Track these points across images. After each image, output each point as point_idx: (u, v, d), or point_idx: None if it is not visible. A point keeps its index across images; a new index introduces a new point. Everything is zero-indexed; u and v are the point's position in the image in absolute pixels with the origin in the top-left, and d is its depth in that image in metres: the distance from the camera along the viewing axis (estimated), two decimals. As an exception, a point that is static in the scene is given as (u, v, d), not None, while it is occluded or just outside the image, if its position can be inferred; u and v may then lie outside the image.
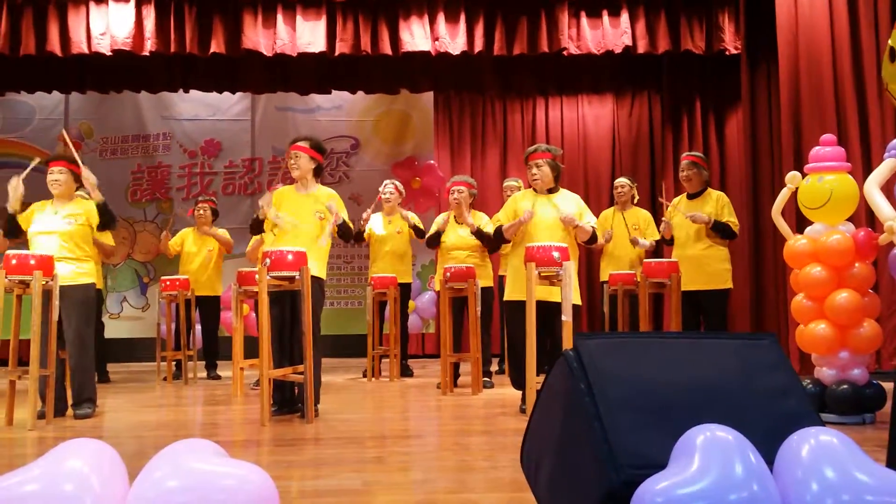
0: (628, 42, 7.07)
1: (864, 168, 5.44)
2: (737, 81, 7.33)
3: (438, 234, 6.03)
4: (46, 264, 4.32)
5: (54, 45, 6.74)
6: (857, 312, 3.97)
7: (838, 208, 4.13)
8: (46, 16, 6.74)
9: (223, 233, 7.02)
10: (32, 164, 4.72)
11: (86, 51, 6.77)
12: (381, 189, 6.88)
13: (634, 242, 6.10)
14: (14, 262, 4.24)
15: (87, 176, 4.63)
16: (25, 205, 4.69)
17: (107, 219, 4.70)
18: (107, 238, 6.06)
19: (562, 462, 2.07)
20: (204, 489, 1.63)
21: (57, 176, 4.63)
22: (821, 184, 4.14)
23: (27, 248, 4.53)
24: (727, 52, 7.19)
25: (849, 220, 4.22)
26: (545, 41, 7.06)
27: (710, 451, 1.64)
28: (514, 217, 4.69)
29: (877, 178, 3.71)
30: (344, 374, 7.03)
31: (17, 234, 4.66)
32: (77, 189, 4.82)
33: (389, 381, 6.47)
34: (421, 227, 6.74)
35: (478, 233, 5.72)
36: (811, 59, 5.86)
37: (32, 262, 4.26)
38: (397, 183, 6.94)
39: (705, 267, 5.34)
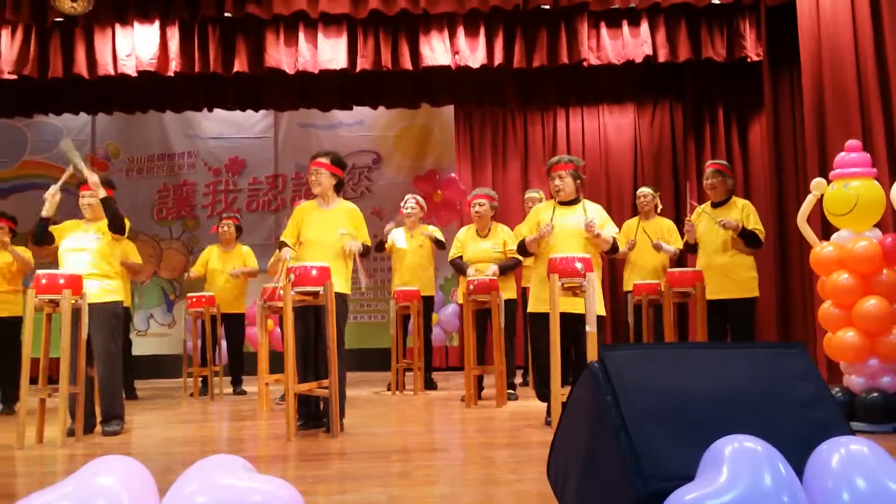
0: (648, 51, 7.06)
1: (890, 173, 5.36)
2: (759, 88, 7.28)
3: (463, 268, 6.02)
4: (75, 283, 4.38)
5: (81, 67, 6.86)
6: (886, 319, 3.91)
7: (865, 214, 4.08)
8: (73, 39, 6.87)
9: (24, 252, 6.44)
10: (67, 174, 4.76)
11: (112, 72, 6.89)
12: (402, 204, 6.92)
13: (658, 248, 6.05)
14: (44, 281, 4.31)
15: (89, 175, 4.65)
16: (55, 222, 4.77)
17: (112, 215, 4.65)
18: (133, 255, 6.13)
19: (589, 474, 2.06)
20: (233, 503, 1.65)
21: (89, 200, 4.71)
22: (846, 190, 4.10)
23: (57, 267, 4.60)
24: (749, 60, 7.15)
25: (876, 226, 4.17)
26: (565, 52, 7.07)
27: (738, 461, 1.62)
28: (536, 228, 4.69)
29: (904, 182, 3.67)
30: (368, 388, 7.04)
31: (47, 241, 4.70)
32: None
33: (414, 395, 6.47)
34: (442, 239, 6.77)
35: (502, 270, 5.79)
36: (834, 64, 5.81)
37: (62, 281, 4.33)
38: (419, 197, 6.97)
39: (732, 275, 5.29)
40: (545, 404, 4.57)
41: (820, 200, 4.29)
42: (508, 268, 5.93)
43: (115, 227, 4.68)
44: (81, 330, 4.40)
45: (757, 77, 7.31)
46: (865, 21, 5.73)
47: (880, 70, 5.67)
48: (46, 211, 4.62)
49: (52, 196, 4.63)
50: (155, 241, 9.14)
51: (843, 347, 4.02)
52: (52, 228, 4.69)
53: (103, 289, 4.64)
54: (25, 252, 6.23)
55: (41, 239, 4.67)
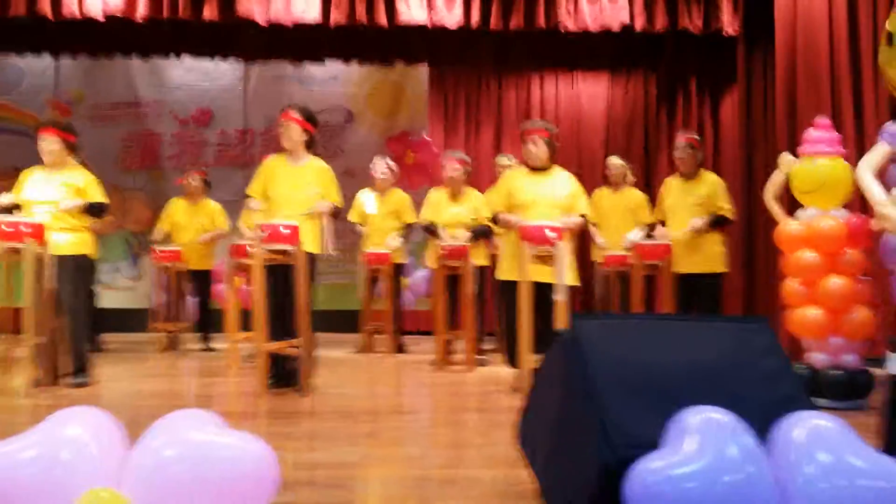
0: (626, 19, 7.02)
1: (858, 153, 5.44)
2: (733, 62, 7.31)
3: (435, 232, 6.00)
4: (39, 232, 4.29)
5: (45, 7, 6.62)
6: (849, 298, 4.00)
7: (831, 193, 4.14)
8: (37, -23, 6.63)
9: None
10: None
11: (77, 14, 6.66)
12: (371, 166, 6.85)
13: (626, 244, 6.04)
14: (5, 228, 4.20)
15: (67, 206, 4.50)
16: (17, 170, 4.65)
17: (95, 215, 4.66)
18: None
19: (558, 440, 2.10)
20: (203, 458, 1.66)
21: (49, 145, 4.57)
22: (814, 167, 4.15)
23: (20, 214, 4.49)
24: (724, 33, 7.16)
25: (844, 206, 4.23)
26: (542, 17, 7.00)
27: (704, 432, 1.67)
28: (508, 196, 4.68)
29: (870, 162, 3.72)
30: (338, 349, 7.05)
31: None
32: (70, 156, 4.77)
33: (383, 357, 6.50)
34: (412, 219, 6.72)
35: (474, 235, 5.78)
36: (808, 41, 5.85)
37: (24, 228, 4.23)
38: (389, 161, 6.90)
39: (700, 250, 5.34)
40: (514, 370, 4.63)
41: (788, 177, 4.34)
42: (480, 233, 5.92)
43: (98, 216, 4.68)
44: (45, 280, 4.32)
45: (731, 51, 7.34)
46: (841, 1, 5.77)
47: (852, 50, 5.73)
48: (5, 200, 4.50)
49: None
50: (119, 191, 8.95)
51: (806, 324, 4.10)
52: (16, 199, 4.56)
53: (70, 241, 4.55)
54: None
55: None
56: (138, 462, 1.67)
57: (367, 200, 6.77)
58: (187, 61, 8.59)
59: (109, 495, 1.57)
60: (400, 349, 6.84)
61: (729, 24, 7.10)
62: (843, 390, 4.00)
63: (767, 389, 2.03)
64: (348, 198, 8.35)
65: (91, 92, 8.99)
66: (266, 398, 4.17)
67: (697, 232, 5.29)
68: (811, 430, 1.69)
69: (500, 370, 5.47)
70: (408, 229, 6.72)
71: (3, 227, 4.20)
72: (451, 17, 6.93)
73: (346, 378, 5.19)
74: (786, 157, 4.30)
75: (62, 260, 4.49)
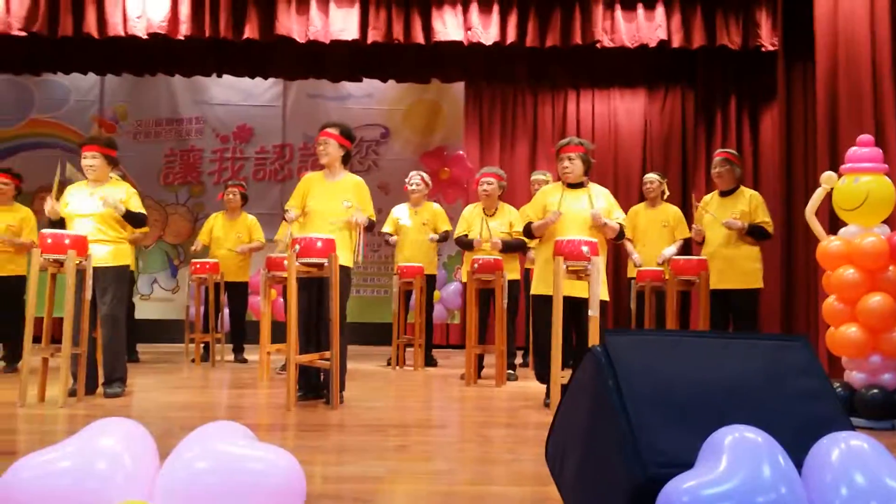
0: (663, 36, 6.99)
1: (901, 170, 5.34)
2: (772, 79, 7.22)
3: (470, 244, 6.00)
4: (81, 244, 4.39)
5: (91, 26, 6.81)
6: (890, 316, 3.91)
7: (874, 210, 4.06)
8: (84, -2, 6.82)
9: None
10: (58, 180, 4.75)
11: (122, 33, 6.84)
12: (407, 180, 6.91)
13: (662, 260, 6.00)
14: (49, 241, 4.31)
15: (109, 200, 4.60)
16: (61, 187, 4.77)
17: (134, 223, 4.77)
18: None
19: (588, 457, 2.07)
20: (233, 471, 1.66)
21: (91, 161, 4.68)
22: (857, 185, 4.08)
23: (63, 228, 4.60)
24: (763, 49, 7.09)
25: (884, 222, 4.15)
26: (579, 33, 7.01)
27: (738, 451, 1.63)
28: (543, 212, 4.68)
29: (915, 180, 3.65)
30: (369, 362, 7.07)
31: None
32: (112, 170, 4.89)
33: (413, 371, 6.50)
34: (446, 230, 6.75)
35: (506, 248, 5.80)
36: (849, 57, 5.75)
37: (67, 241, 4.34)
38: (424, 174, 6.95)
39: (736, 266, 5.28)
40: (544, 386, 4.59)
41: (829, 194, 4.27)
42: (512, 247, 5.92)
43: (136, 226, 4.81)
44: (86, 291, 4.41)
45: (771, 67, 7.25)
46: (884, 15, 5.67)
47: (895, 65, 5.62)
48: (52, 216, 4.60)
49: (52, 206, 4.59)
50: (161, 206, 9.14)
51: (846, 342, 4.02)
52: (62, 213, 4.67)
53: (110, 252, 4.66)
54: (29, 222, 6.20)
55: (59, 226, 4.67)
56: (170, 474, 1.68)
57: (401, 214, 6.82)
58: (228, 79, 8.75)
59: (141, 507, 1.58)
60: (430, 363, 6.84)
61: (768, 39, 7.03)
62: (880, 410, 3.91)
63: (805, 408, 1.97)
64: (382, 213, 8.46)
65: (135, 109, 9.21)
66: (295, 411, 4.18)
67: (734, 230, 5.20)
68: (848, 451, 1.63)
69: (529, 385, 5.44)
70: (444, 234, 6.73)
71: (47, 239, 4.31)
72: (488, 35, 6.97)
73: (375, 391, 5.20)
74: (828, 175, 4.23)
75: (102, 271, 4.59)
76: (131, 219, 4.70)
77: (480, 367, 5.99)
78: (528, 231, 4.74)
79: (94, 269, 4.51)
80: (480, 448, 3.32)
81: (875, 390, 3.94)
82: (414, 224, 6.76)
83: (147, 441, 1.78)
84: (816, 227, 4.38)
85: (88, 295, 4.43)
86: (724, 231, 5.33)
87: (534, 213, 4.75)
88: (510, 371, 5.99)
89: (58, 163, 4.91)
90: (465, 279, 6.15)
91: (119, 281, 4.69)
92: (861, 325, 3.98)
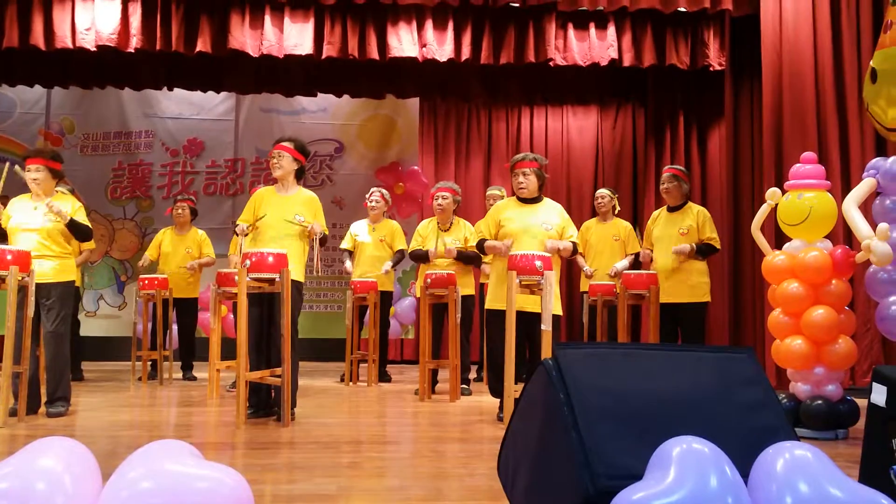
0: (614, 55, 7.12)
1: (843, 186, 5.51)
2: (720, 97, 7.41)
3: (425, 256, 5.99)
4: (23, 259, 4.27)
5: (38, 38, 6.67)
6: (833, 329, 4.01)
7: (817, 226, 4.17)
8: (31, 9, 6.67)
9: None
10: (1, 183, 4.64)
11: (70, 45, 6.71)
12: (367, 196, 6.88)
13: (615, 273, 6.07)
14: (-10, 256, 4.18)
15: (54, 207, 4.48)
16: (4, 199, 4.64)
17: (78, 235, 4.65)
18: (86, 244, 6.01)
19: (539, 470, 2.07)
20: (178, 491, 1.62)
21: (35, 174, 4.57)
22: (800, 201, 4.18)
23: (6, 243, 4.47)
24: (711, 68, 7.26)
25: (827, 237, 4.26)
26: (532, 51, 7.09)
27: (685, 462, 1.65)
28: (496, 226, 4.71)
29: (855, 196, 3.77)
30: (321, 378, 7.00)
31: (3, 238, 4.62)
32: (56, 185, 4.78)
33: (367, 386, 6.45)
34: (403, 246, 6.74)
35: (461, 257, 5.82)
36: (794, 77, 5.94)
37: (9, 257, 4.21)
38: (384, 191, 6.93)
39: (684, 280, 5.37)
40: (498, 400, 4.60)
41: (774, 210, 4.38)
42: (468, 257, 5.92)
43: (81, 239, 4.68)
44: (28, 307, 4.29)
45: (718, 86, 7.44)
46: (825, 36, 5.87)
47: (838, 85, 5.82)
48: None
49: None
50: (108, 221, 8.94)
51: (791, 355, 4.11)
52: (3, 224, 4.56)
53: (55, 268, 4.54)
54: None
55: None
56: (113, 494, 1.63)
57: (359, 230, 6.79)
58: (179, 92, 8.63)
59: (80, 527, 1.53)
60: (384, 378, 6.80)
61: (716, 59, 7.20)
62: (824, 421, 4.00)
63: (750, 419, 2.01)
64: (336, 227, 8.40)
65: (82, 122, 9.02)
66: (245, 428, 4.11)
67: (683, 256, 5.31)
68: (792, 461, 1.66)
69: (483, 400, 5.44)
70: (399, 255, 6.73)
71: (-14, 254, 4.18)
72: (443, 52, 7.01)
73: (328, 408, 5.14)
74: (773, 191, 4.34)
75: (46, 287, 4.47)
76: (75, 229, 4.57)
77: (435, 382, 5.97)
78: (482, 247, 4.77)
79: (38, 285, 4.39)
80: (434, 464, 3.30)
81: (819, 401, 4.03)
82: (372, 240, 6.73)
83: (89, 460, 1.73)
84: (762, 242, 4.48)
85: (31, 312, 4.31)
86: (671, 244, 5.42)
87: (487, 228, 4.78)
88: (464, 386, 5.98)
89: (4, 165, 4.76)
90: (419, 294, 6.13)
91: (64, 297, 4.56)
92: (805, 338, 4.07)
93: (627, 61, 7.20)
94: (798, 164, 4.35)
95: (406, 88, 8.32)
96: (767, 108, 6.10)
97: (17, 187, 4.76)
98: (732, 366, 2.16)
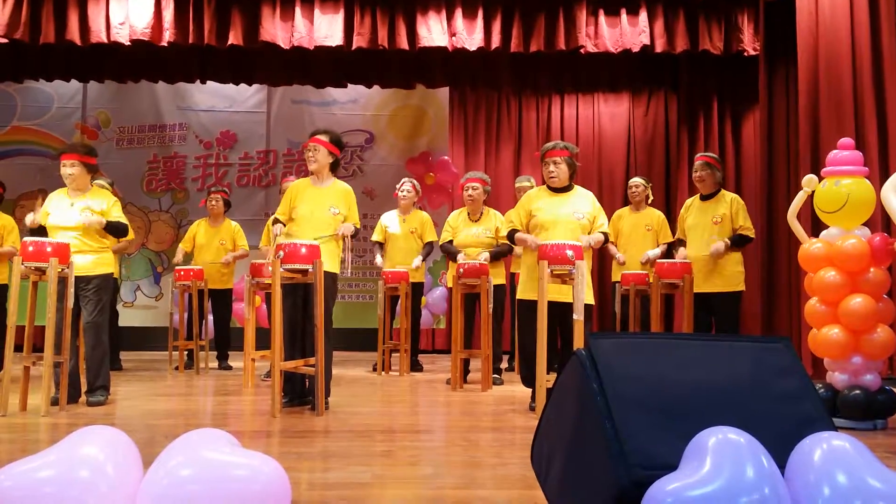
0: (646, 41, 7.04)
1: (881, 173, 5.39)
2: (754, 83, 7.29)
3: (455, 254, 5.99)
4: (62, 252, 4.35)
5: (73, 33, 6.78)
6: (871, 318, 3.94)
7: (854, 213, 4.10)
8: (66, 5, 6.78)
9: None
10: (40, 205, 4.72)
11: (105, 40, 6.81)
12: (398, 187, 6.91)
13: (646, 260, 6.03)
14: (31, 248, 4.27)
15: (87, 224, 4.57)
16: (42, 192, 4.73)
17: (115, 234, 4.75)
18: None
19: (573, 461, 2.07)
20: (217, 478, 1.65)
21: (70, 170, 4.64)
22: (837, 188, 4.11)
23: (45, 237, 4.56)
24: (745, 53, 7.15)
25: (865, 224, 4.19)
26: (563, 39, 7.04)
27: (721, 453, 1.64)
28: (527, 215, 4.70)
29: (894, 183, 3.69)
30: (354, 368, 7.06)
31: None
32: (92, 179, 4.85)
33: (399, 376, 6.49)
34: (433, 238, 6.74)
35: (494, 256, 5.81)
36: (830, 61, 5.81)
37: (49, 248, 4.30)
38: (415, 182, 6.95)
39: (718, 269, 5.31)
40: (530, 390, 4.60)
41: (811, 197, 4.31)
42: (500, 254, 5.94)
43: (118, 236, 4.79)
44: (67, 299, 4.38)
45: (753, 71, 7.32)
46: (863, 20, 5.74)
47: (876, 69, 5.69)
48: (31, 225, 4.59)
49: (33, 218, 4.59)
50: (144, 213, 9.09)
51: (828, 344, 4.05)
52: (43, 223, 4.65)
53: (93, 262, 4.63)
54: (12, 231, 6.13)
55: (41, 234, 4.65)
56: (154, 482, 1.67)
57: (390, 221, 6.82)
58: (212, 85, 8.72)
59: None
60: (416, 368, 6.84)
61: (750, 44, 7.10)
62: (863, 411, 3.94)
63: (787, 409, 1.99)
64: (367, 217, 8.44)
65: (118, 116, 9.16)
66: (280, 417, 4.17)
67: (719, 256, 5.27)
68: (830, 451, 1.65)
69: (515, 389, 5.44)
70: (428, 247, 6.75)
71: (28, 247, 4.28)
72: (472, 41, 6.99)
73: (361, 397, 5.18)
74: (809, 178, 4.27)
75: (85, 280, 4.56)
76: (113, 230, 4.67)
77: (466, 371, 5.99)
78: (512, 238, 4.77)
79: (77, 277, 4.48)
80: (466, 452, 3.32)
81: (857, 391, 3.98)
82: (402, 231, 6.77)
83: (130, 449, 1.77)
84: (798, 230, 4.42)
85: (70, 303, 4.40)
86: (707, 235, 5.37)
87: (518, 218, 4.77)
88: (496, 375, 5.99)
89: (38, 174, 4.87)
90: (450, 284, 6.15)
91: (102, 289, 4.65)
92: (843, 327, 4.02)
93: (660, 47, 7.12)
94: (835, 151, 4.28)
95: (436, 78, 8.31)
96: (803, 94, 5.99)
97: (55, 181, 4.84)
98: (768, 355, 2.13)
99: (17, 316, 4.39)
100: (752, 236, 5.43)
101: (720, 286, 5.30)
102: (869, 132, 5.62)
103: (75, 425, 3.71)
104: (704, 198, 5.52)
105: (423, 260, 6.70)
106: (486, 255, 5.78)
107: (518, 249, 5.69)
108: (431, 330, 8.97)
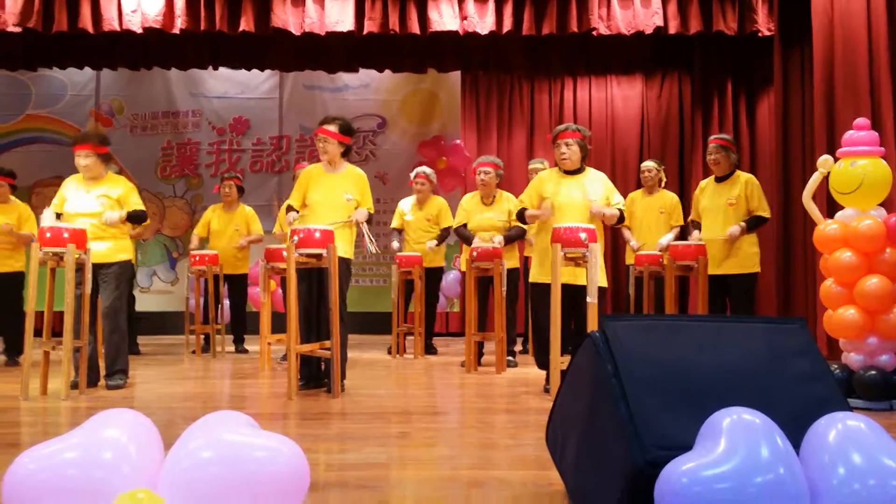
0: (659, 22, 6.98)
1: (897, 152, 5.35)
2: (769, 64, 7.22)
3: (470, 238, 5.99)
4: (80, 237, 4.39)
5: (86, 21, 6.79)
6: (887, 298, 3.93)
7: (870, 193, 4.08)
8: (79, -8, 6.80)
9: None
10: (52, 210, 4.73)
11: (117, 28, 6.82)
12: (411, 176, 6.91)
13: (660, 248, 6.00)
14: (48, 234, 4.32)
15: (107, 222, 4.61)
16: (61, 179, 4.77)
17: (135, 222, 4.79)
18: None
19: (588, 441, 2.09)
20: (237, 459, 1.67)
21: (84, 160, 4.65)
22: (853, 168, 4.09)
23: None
24: (760, 34, 7.08)
25: (881, 205, 4.16)
26: (575, 21, 6.99)
27: (736, 433, 1.65)
28: (539, 197, 4.69)
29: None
30: (369, 351, 7.10)
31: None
32: (107, 165, 4.88)
33: (414, 359, 6.53)
34: (450, 223, 6.73)
35: (508, 240, 5.81)
36: (846, 40, 5.75)
37: (66, 235, 4.34)
38: (428, 171, 6.92)
39: (734, 250, 5.30)
40: (544, 372, 4.62)
41: (826, 178, 4.28)
42: (513, 238, 5.95)
43: (137, 223, 4.83)
44: (85, 284, 4.42)
45: (767, 52, 7.25)
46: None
47: (892, 48, 5.62)
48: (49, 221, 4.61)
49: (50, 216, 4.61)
50: (158, 199, 9.15)
51: (844, 325, 4.04)
52: (59, 212, 4.68)
53: (110, 248, 4.67)
54: (28, 219, 6.18)
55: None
56: (175, 463, 1.69)
57: (406, 208, 6.85)
58: (224, 71, 8.74)
59: (146, 496, 1.59)
60: (430, 351, 6.87)
61: (764, 24, 7.02)
62: (878, 391, 3.94)
63: (802, 390, 1.99)
64: (380, 203, 8.45)
65: (131, 103, 9.20)
66: (297, 400, 4.21)
67: (735, 240, 5.25)
68: (845, 431, 1.65)
69: (529, 372, 5.46)
70: (444, 232, 6.76)
71: (46, 233, 4.32)
72: (484, 24, 6.95)
73: (376, 380, 5.22)
74: (825, 159, 4.24)
75: (102, 266, 4.61)
76: (133, 218, 4.71)
77: (480, 354, 6.01)
78: (522, 216, 4.77)
79: (95, 264, 4.52)
80: (482, 434, 3.35)
81: (873, 371, 3.97)
82: (418, 219, 6.79)
83: (151, 431, 1.79)
84: (813, 211, 4.39)
85: (88, 289, 4.44)
86: (721, 216, 5.35)
87: (528, 199, 4.77)
88: (510, 358, 6.01)
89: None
90: (463, 268, 6.16)
91: (120, 275, 4.70)
92: (859, 308, 4.00)
93: (673, 28, 7.05)
94: (851, 131, 4.24)
95: (447, 62, 8.28)
96: (818, 74, 5.93)
97: (70, 168, 4.86)
98: (783, 336, 2.13)
99: (36, 302, 4.44)
100: (768, 216, 5.40)
101: (735, 268, 5.28)
102: (885, 112, 5.56)
103: (95, 409, 3.76)
104: (719, 179, 5.50)
105: (437, 244, 6.72)
106: (500, 238, 5.79)
107: (531, 233, 5.69)
108: (445, 313, 9.00)
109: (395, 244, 6.84)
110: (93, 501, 1.59)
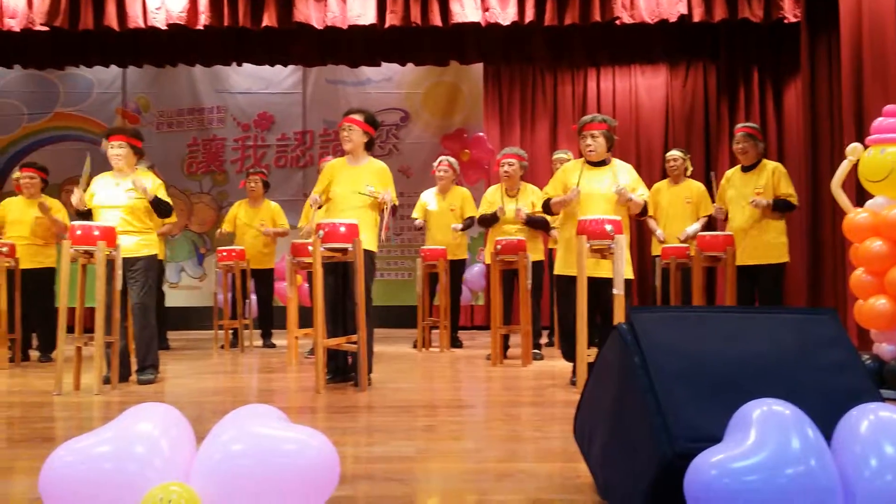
0: (684, 10, 6.90)
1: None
2: (795, 51, 7.12)
3: (494, 217, 6.01)
4: (109, 235, 4.46)
5: (111, 19, 6.87)
6: (919, 288, 3.87)
7: (901, 181, 4.01)
8: (104, -9, 6.87)
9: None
10: (85, 175, 4.79)
11: (142, 25, 6.89)
12: (435, 164, 6.91)
13: (685, 237, 5.96)
14: (79, 232, 4.39)
15: (138, 184, 4.66)
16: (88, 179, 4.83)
17: (160, 211, 4.81)
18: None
19: (616, 434, 2.08)
20: (268, 452, 1.70)
21: (117, 150, 4.74)
22: (883, 156, 4.03)
23: (91, 220, 4.67)
24: (786, 21, 6.97)
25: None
26: (598, 10, 6.93)
27: (766, 424, 1.63)
28: (564, 189, 4.66)
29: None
30: (395, 345, 7.13)
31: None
32: (137, 161, 4.94)
33: (440, 352, 6.54)
34: (474, 213, 6.73)
35: (530, 221, 5.80)
36: (874, 26, 5.65)
37: (96, 232, 4.41)
38: (451, 160, 6.93)
39: (762, 241, 5.24)
40: (570, 365, 4.61)
41: (855, 166, 4.22)
42: (536, 221, 5.91)
43: (162, 215, 4.83)
44: (115, 281, 4.49)
45: (794, 39, 7.14)
46: (910, -18, 5.56)
47: (923, 34, 5.51)
48: (79, 206, 4.66)
49: (79, 197, 4.65)
50: (185, 195, 9.24)
51: (875, 315, 3.99)
52: (88, 203, 4.73)
53: (138, 243, 4.73)
54: (60, 211, 6.26)
55: (87, 217, 4.73)
56: (207, 456, 1.72)
57: (429, 199, 6.86)
58: (248, 67, 8.80)
59: (180, 489, 1.62)
60: (456, 344, 6.88)
61: (790, 11, 6.91)
62: (911, 382, 3.88)
63: (833, 381, 1.97)
64: (404, 196, 8.47)
65: (157, 100, 9.30)
66: (324, 393, 4.24)
67: (760, 209, 5.17)
68: (877, 423, 1.63)
69: (555, 364, 5.45)
70: (469, 221, 6.76)
71: (76, 231, 4.39)
72: (506, 15, 6.92)
73: (402, 373, 5.24)
74: (854, 147, 4.18)
75: (131, 261, 4.67)
76: (157, 206, 4.74)
77: (506, 347, 6.01)
78: (547, 207, 4.75)
79: (124, 259, 4.58)
80: (508, 426, 3.35)
81: (905, 362, 3.92)
82: (441, 209, 6.79)
83: (183, 425, 1.82)
84: (843, 200, 4.33)
85: (119, 285, 4.51)
86: (748, 207, 5.29)
87: (553, 190, 4.75)
88: (536, 351, 6.01)
89: (86, 155, 4.97)
90: (488, 261, 6.16)
91: (148, 270, 4.76)
92: (890, 297, 3.95)
93: (697, 16, 6.97)
94: (880, 118, 4.18)
95: (469, 54, 8.26)
96: (846, 60, 5.84)
97: (100, 165, 4.94)
98: (814, 327, 2.11)
99: (68, 298, 4.51)
100: (796, 203, 5.34)
101: (763, 258, 5.23)
102: (916, 98, 5.46)
103: (127, 403, 3.81)
104: (746, 169, 5.44)
105: (462, 229, 6.72)
106: (524, 211, 5.79)
107: (556, 223, 5.66)
108: (470, 306, 9.00)
109: (419, 221, 6.83)
110: (127, 494, 1.62)
